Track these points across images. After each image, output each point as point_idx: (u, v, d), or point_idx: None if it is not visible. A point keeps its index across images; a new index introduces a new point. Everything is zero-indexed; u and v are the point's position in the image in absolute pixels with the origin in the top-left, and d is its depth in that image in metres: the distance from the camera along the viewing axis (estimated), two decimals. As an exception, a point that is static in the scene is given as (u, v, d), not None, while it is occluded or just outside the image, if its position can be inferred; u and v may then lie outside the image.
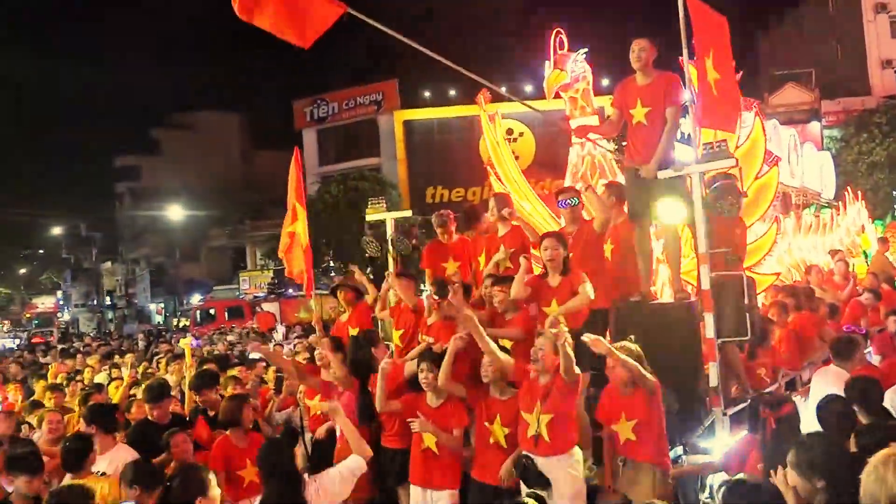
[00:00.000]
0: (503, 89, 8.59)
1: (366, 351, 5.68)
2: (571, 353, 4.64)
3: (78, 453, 4.59)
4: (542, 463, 4.68)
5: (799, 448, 3.03)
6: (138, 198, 53.62)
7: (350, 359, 5.96)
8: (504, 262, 6.35)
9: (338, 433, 5.81)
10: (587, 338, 4.69)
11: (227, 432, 5.50)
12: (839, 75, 34.87)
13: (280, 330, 20.70)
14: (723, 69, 5.69)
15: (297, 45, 5.72)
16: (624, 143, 6.73)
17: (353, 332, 6.99)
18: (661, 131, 5.94)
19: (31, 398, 8.39)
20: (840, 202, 14.70)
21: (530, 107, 7.78)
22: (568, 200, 6.26)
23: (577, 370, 4.68)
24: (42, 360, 16.26)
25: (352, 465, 4.24)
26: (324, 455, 5.84)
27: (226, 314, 32.41)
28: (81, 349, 18.41)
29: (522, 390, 4.93)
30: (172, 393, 6.92)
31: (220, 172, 52.83)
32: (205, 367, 7.91)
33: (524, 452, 4.77)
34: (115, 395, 8.09)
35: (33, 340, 33.94)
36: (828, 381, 5.39)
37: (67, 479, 4.46)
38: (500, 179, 8.55)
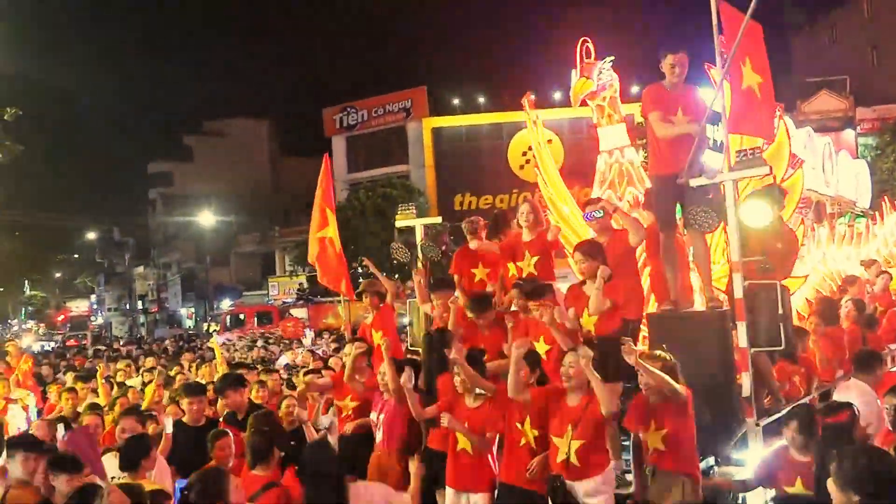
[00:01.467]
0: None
1: (440, 352, 5.69)
2: (602, 387, 4.61)
3: (134, 453, 4.65)
4: (573, 487, 4.63)
5: (840, 459, 2.95)
6: (170, 204, 54.42)
7: (424, 360, 6.01)
8: (528, 269, 6.37)
9: (377, 439, 5.85)
10: (623, 342, 4.67)
11: None
12: (874, 82, 34.29)
13: (308, 335, 20.85)
14: (762, 75, 5.65)
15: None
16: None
17: (377, 334, 7.05)
18: (696, 140, 5.94)
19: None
20: (876, 211, 14.43)
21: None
22: (593, 213, 6.24)
23: (615, 403, 4.66)
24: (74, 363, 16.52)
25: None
26: (350, 452, 5.85)
27: (255, 319, 32.80)
28: (111, 354, 18.75)
29: (552, 413, 4.87)
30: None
31: (251, 179, 53.45)
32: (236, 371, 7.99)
33: (555, 475, 4.72)
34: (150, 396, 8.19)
35: (67, 343, 34.58)
36: (850, 395, 5.31)
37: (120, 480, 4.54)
38: (545, 181, 8.56)
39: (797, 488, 4.36)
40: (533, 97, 8.76)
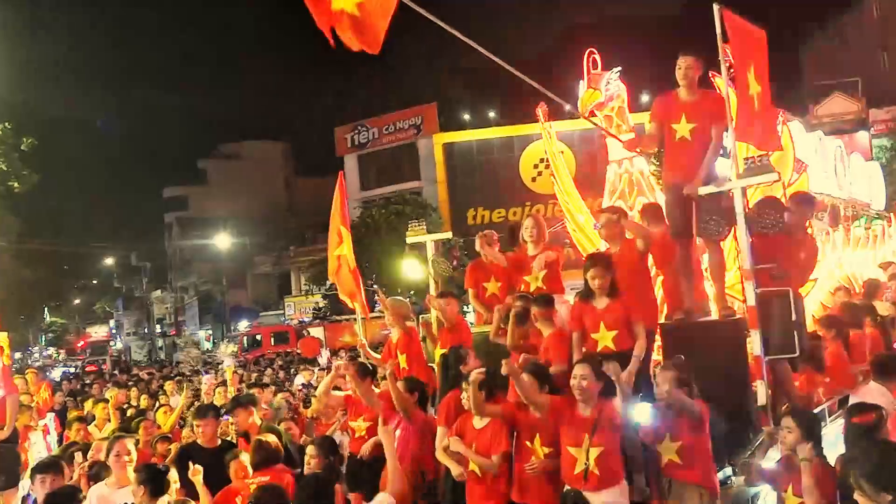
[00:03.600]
0: (566, 108, 8.54)
1: (455, 370, 5.66)
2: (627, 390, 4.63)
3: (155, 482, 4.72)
4: (592, 498, 4.57)
5: (864, 460, 2.80)
6: (186, 227, 54.87)
7: (439, 378, 6.00)
8: (536, 283, 6.38)
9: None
10: (608, 367, 4.68)
11: None
12: (886, 83, 34.04)
13: (325, 354, 20.88)
14: (762, 83, 5.64)
15: (368, 50, 5.59)
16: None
17: (402, 356, 7.03)
18: (705, 148, 5.90)
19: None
20: (892, 213, 14.28)
21: (600, 126, 7.74)
22: (596, 224, 6.29)
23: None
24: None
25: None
26: (365, 475, 5.83)
27: (272, 339, 32.94)
28: (129, 378, 18.83)
29: (565, 424, 4.79)
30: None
31: (265, 200, 53.86)
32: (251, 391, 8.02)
33: (569, 489, 4.65)
34: (163, 420, 8.23)
35: (87, 368, 34.81)
36: (867, 400, 5.23)
37: None
38: (561, 189, 8.63)
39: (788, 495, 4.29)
40: (547, 108, 8.78)
